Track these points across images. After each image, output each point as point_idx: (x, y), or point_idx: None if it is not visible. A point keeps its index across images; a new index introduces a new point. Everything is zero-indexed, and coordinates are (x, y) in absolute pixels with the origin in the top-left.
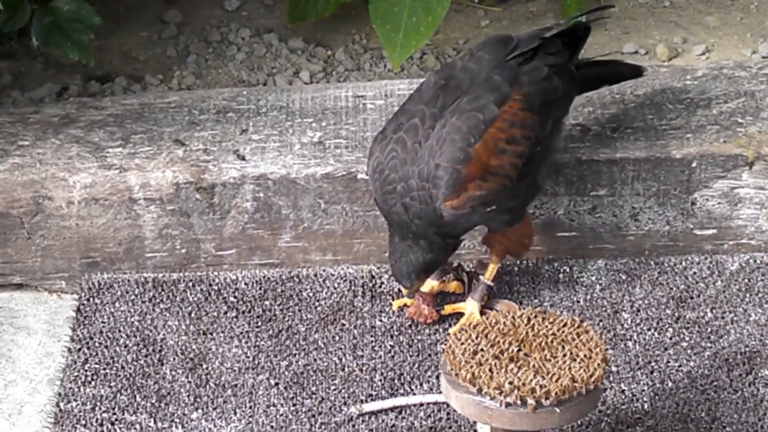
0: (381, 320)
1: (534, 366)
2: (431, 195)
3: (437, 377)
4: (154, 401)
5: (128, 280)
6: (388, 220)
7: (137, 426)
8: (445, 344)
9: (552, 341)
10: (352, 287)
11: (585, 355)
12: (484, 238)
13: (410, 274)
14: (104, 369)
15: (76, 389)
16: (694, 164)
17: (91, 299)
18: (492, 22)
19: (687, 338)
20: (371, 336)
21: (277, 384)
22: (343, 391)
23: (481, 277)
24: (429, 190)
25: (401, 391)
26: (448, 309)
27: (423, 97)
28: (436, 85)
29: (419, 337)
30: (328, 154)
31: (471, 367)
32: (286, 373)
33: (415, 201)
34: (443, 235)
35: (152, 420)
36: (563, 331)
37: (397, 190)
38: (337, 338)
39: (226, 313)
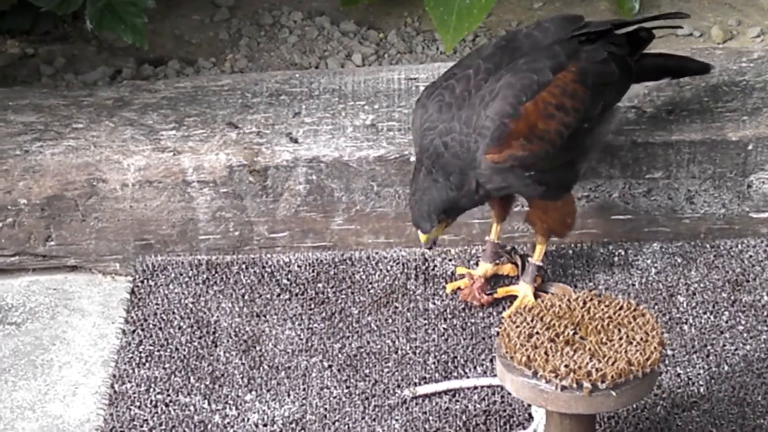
0: (434, 303)
1: (590, 349)
2: (475, 142)
3: (491, 360)
4: (207, 383)
5: (182, 263)
6: (419, 155)
7: (191, 407)
8: (500, 327)
9: (608, 324)
10: (405, 270)
11: (641, 339)
12: (526, 215)
13: (431, 214)
14: (158, 351)
15: (131, 371)
16: (750, 147)
17: (145, 281)
18: (545, 5)
19: (743, 322)
20: (424, 319)
21: (330, 366)
22: (396, 373)
23: (529, 258)
24: (474, 136)
25: (455, 374)
26: (501, 292)
27: (481, 53)
28: (496, 45)
29: (473, 320)
30: (380, 136)
31: (526, 350)
32: (340, 355)
33: (455, 142)
34: (469, 182)
35: (206, 401)
36: (619, 315)
37: (438, 128)
38: (390, 321)
39: (279, 295)
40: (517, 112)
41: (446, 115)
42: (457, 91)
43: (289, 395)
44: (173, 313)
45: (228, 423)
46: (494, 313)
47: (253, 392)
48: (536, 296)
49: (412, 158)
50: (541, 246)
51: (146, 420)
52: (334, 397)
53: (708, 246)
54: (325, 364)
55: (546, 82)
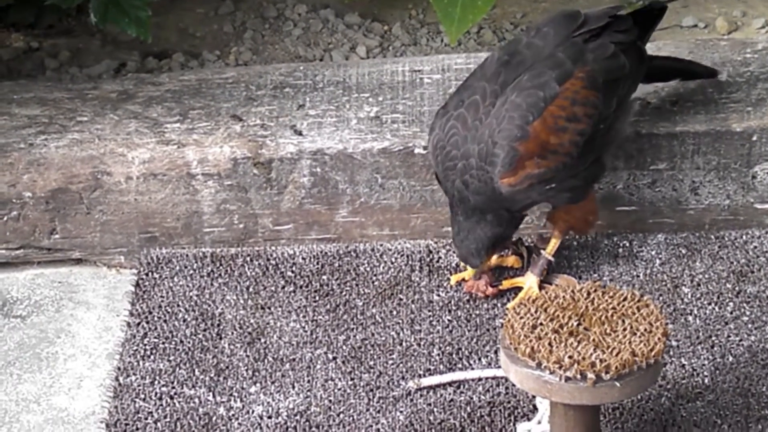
0: (439, 295)
1: (594, 340)
2: (488, 173)
3: (495, 352)
4: (212, 375)
5: (186, 255)
6: (449, 196)
7: (196, 400)
8: (504, 318)
9: (612, 315)
10: (410, 262)
11: (645, 330)
12: (548, 214)
13: (479, 251)
14: (163, 343)
15: (135, 363)
16: (754, 138)
17: (150, 274)
18: None
19: (748, 312)
20: (429, 311)
21: (335, 358)
22: (401, 365)
23: (542, 251)
24: (486, 168)
25: (459, 365)
26: (506, 284)
27: (485, 73)
28: (499, 61)
29: (477, 312)
30: (384, 129)
31: (530, 341)
32: (344, 347)
33: (474, 179)
34: (507, 210)
35: (211, 394)
36: (623, 305)
37: (458, 167)
38: (394, 313)
39: (283, 287)
40: (526, 133)
41: (463, 150)
42: (469, 121)
43: (293, 387)
44: (178, 305)
45: (233, 415)
46: (498, 305)
47: (258, 384)
48: (540, 287)
49: (417, 150)
50: (556, 240)
51: (151, 412)
52: (339, 389)
53: (712, 237)
54: (330, 356)
55: (553, 95)
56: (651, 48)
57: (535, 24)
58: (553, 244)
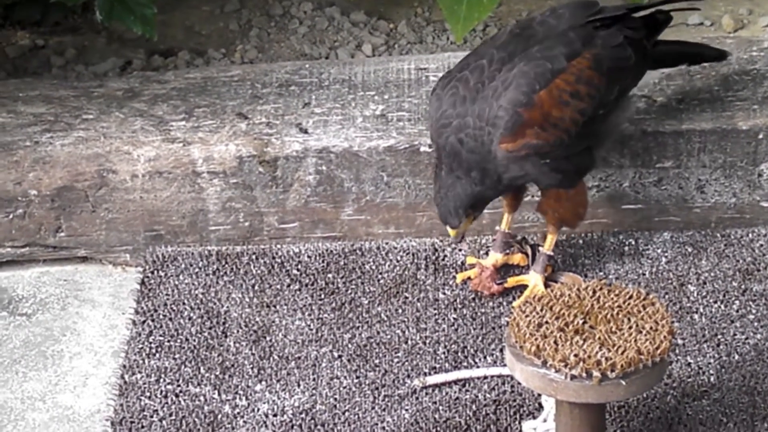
0: (444, 293)
1: (599, 338)
2: (489, 134)
3: (501, 350)
4: (218, 373)
5: (192, 253)
6: (438, 152)
7: (201, 398)
8: (510, 317)
9: (617, 313)
10: (415, 260)
11: (651, 328)
12: (538, 205)
13: (458, 209)
14: (168, 341)
15: (141, 361)
16: (760, 136)
17: (156, 272)
18: None
19: (753, 311)
20: (434, 309)
21: (340, 356)
22: (406, 363)
23: (540, 248)
24: (487, 129)
25: (465, 363)
26: (511, 281)
27: (495, 42)
28: (511, 33)
29: (483, 310)
30: (390, 127)
31: (536, 339)
32: (350, 345)
33: (470, 138)
34: (491, 174)
35: (216, 392)
36: (629, 304)
37: (453, 124)
38: (400, 311)
39: (289, 285)
40: (531, 100)
41: (460, 109)
42: (471, 83)
43: (299, 385)
44: (183, 303)
45: (238, 413)
46: (504, 303)
47: (263, 382)
48: (546, 286)
49: (422, 148)
50: (552, 236)
51: (156, 410)
52: (344, 387)
53: (718, 235)
54: (335, 354)
55: (560, 69)
56: (660, 37)
57: (550, 7)
58: (550, 239)
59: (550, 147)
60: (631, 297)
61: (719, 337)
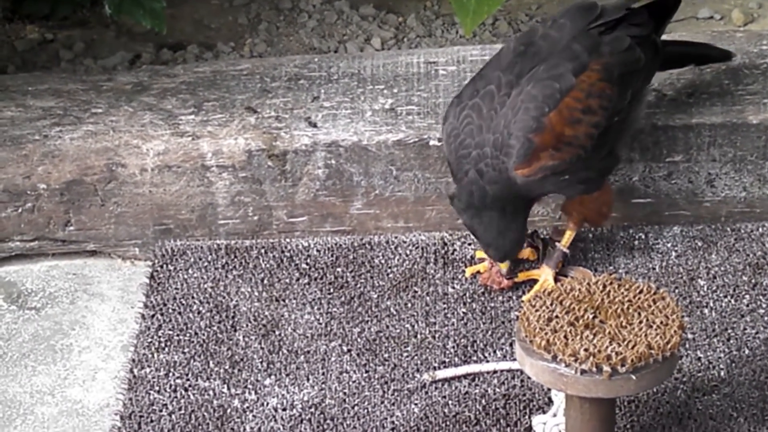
0: (453, 287)
1: (609, 333)
2: (503, 163)
3: (511, 344)
4: (227, 367)
5: (201, 247)
6: (459, 186)
7: (210, 392)
8: (520, 311)
9: (628, 308)
10: (424, 254)
11: (661, 322)
12: (562, 206)
13: (514, 250)
14: (177, 335)
15: (150, 355)
16: None
17: (165, 266)
18: None
19: (764, 305)
20: (444, 303)
21: (349, 351)
22: (415, 358)
23: (557, 243)
24: (501, 158)
25: (474, 358)
26: (521, 276)
27: (501, 63)
28: (515, 52)
29: (492, 304)
30: (399, 120)
31: (546, 334)
32: (359, 339)
33: (489, 168)
34: (520, 198)
35: (225, 386)
36: (639, 298)
37: (472, 155)
38: (409, 305)
39: (298, 279)
40: (542, 124)
41: (477, 139)
42: (484, 111)
43: (308, 379)
44: (192, 297)
45: (247, 407)
46: (513, 297)
47: (272, 376)
48: (556, 280)
49: (432, 142)
50: (572, 232)
51: (165, 404)
52: (353, 381)
53: (729, 229)
54: (344, 349)
55: (569, 87)
56: (665, 38)
57: (551, 15)
58: (568, 236)
59: (567, 165)
60: (641, 291)
61: (729, 331)
